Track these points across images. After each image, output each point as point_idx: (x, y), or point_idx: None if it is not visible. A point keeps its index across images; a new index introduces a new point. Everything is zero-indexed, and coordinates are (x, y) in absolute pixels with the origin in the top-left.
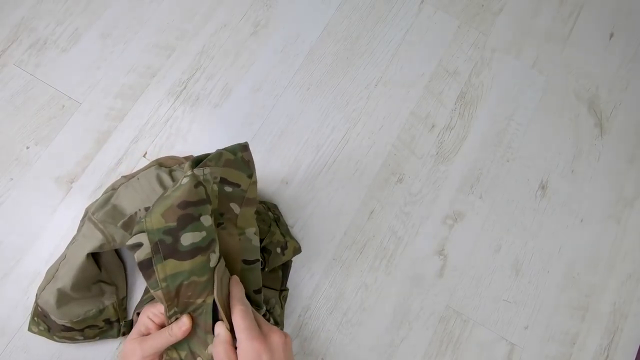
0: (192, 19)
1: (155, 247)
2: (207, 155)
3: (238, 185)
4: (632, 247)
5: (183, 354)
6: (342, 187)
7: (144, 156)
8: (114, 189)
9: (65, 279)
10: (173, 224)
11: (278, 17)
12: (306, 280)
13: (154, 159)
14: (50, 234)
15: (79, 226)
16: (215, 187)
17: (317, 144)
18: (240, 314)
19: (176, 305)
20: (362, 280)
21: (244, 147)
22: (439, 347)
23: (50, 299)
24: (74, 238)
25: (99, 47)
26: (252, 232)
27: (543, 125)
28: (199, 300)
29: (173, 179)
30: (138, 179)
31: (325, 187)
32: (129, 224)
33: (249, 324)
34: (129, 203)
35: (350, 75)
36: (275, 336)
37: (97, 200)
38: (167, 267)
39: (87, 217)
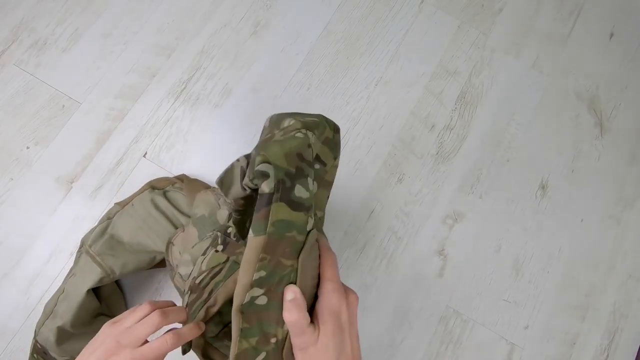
0: (192, 19)
1: (278, 185)
2: (293, 115)
3: (324, 164)
4: (632, 247)
5: (254, 340)
6: (342, 187)
7: (144, 156)
8: (109, 218)
9: (65, 317)
10: (292, 169)
11: (278, 17)
12: None
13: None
14: (50, 234)
15: (76, 258)
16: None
17: None
18: (330, 263)
19: (268, 262)
20: (362, 280)
21: (338, 129)
22: (439, 347)
23: (50, 337)
24: (71, 271)
25: (99, 47)
26: (320, 215)
27: (543, 125)
28: (288, 263)
29: (168, 200)
30: (133, 204)
31: None
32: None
33: (337, 277)
34: (126, 230)
35: (350, 75)
36: (353, 295)
37: (93, 231)
38: (280, 211)
39: (84, 249)
